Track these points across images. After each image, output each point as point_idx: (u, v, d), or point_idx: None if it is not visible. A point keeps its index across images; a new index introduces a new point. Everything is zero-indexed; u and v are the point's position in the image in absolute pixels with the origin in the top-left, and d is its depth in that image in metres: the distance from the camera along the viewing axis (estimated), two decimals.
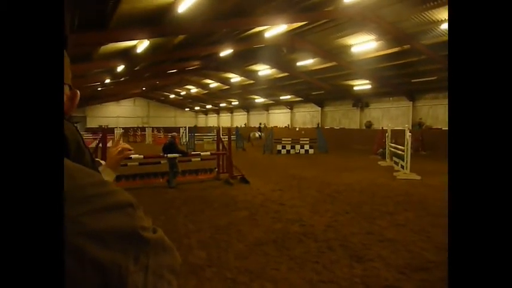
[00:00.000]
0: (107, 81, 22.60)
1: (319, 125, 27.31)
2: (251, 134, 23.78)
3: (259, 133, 24.21)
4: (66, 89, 0.66)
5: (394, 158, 11.68)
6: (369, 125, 24.08)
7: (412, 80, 19.14)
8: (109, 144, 20.83)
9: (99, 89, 26.66)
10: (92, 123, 39.48)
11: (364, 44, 15.27)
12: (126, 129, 29.58)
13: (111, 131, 24.26)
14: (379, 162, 12.99)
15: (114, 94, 34.20)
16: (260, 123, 30.25)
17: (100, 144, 8.56)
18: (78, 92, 0.69)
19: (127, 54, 16.25)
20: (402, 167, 10.13)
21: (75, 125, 0.64)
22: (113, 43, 13.62)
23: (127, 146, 1.46)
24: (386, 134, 13.25)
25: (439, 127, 19.09)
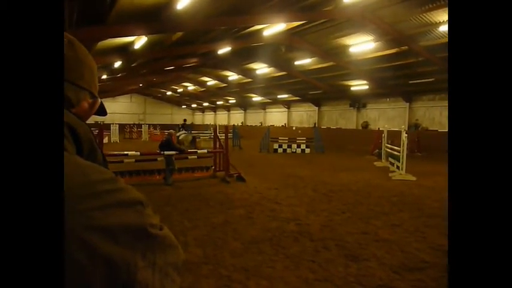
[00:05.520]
0: (104, 77, 22.48)
1: (316, 125, 27.37)
2: (181, 137, 15.35)
3: (185, 133, 15.59)
4: (85, 95, 0.66)
5: (390, 159, 11.74)
6: (366, 125, 24.19)
7: (410, 82, 19.24)
8: (105, 140, 20.10)
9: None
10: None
11: (362, 45, 15.32)
12: (122, 126, 29.44)
13: (107, 127, 24.14)
14: (375, 163, 13.05)
15: (110, 90, 33.99)
16: (185, 120, 17.95)
17: (96, 140, 8.53)
18: (99, 100, 0.70)
19: (124, 50, 16.16)
20: (398, 167, 10.18)
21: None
22: (111, 39, 13.54)
23: None
24: (383, 135, 13.32)
25: (435, 129, 19.22)
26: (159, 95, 43.16)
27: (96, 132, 8.68)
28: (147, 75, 25.60)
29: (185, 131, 15.85)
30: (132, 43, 15.04)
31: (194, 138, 14.38)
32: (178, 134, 15.30)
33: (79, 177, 0.47)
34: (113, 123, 26.29)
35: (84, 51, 0.67)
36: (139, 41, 14.35)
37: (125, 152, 8.69)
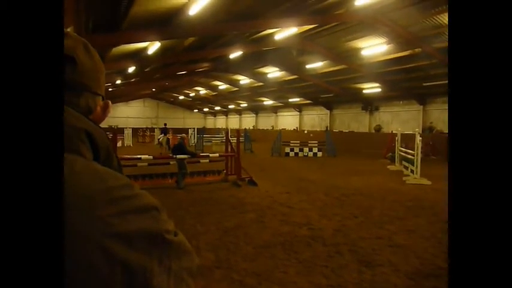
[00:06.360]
0: (118, 82, 22.88)
1: (328, 128, 27.19)
2: (161, 139, 18.13)
3: (162, 136, 17.91)
4: (99, 100, 0.67)
5: (404, 163, 11.56)
6: (379, 128, 23.89)
7: (423, 84, 18.95)
8: (119, 144, 20.68)
9: (110, 89, 27.01)
10: (102, 123, 39.82)
11: (374, 47, 15.19)
12: (135, 130, 29.85)
13: (120, 131, 24.54)
14: (389, 167, 12.87)
15: (124, 95, 34.58)
16: (165, 124, 19.85)
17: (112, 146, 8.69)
18: (110, 102, 0.71)
19: (138, 56, 16.44)
20: (412, 171, 10.01)
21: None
22: (125, 45, 13.80)
23: None
24: (396, 138, 13.13)
25: None
26: (172, 99, 43.65)
27: (110, 136, 8.83)
28: (159, 80, 25.95)
29: (164, 134, 18.37)
30: (145, 49, 15.28)
31: (168, 139, 17.12)
32: (159, 137, 18.87)
33: (97, 183, 0.47)
34: (126, 127, 26.69)
35: (97, 55, 0.67)
36: (153, 47, 14.58)
37: (138, 156, 8.80)
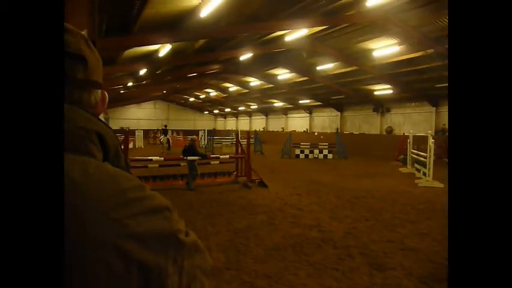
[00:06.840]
0: (129, 84, 23.17)
1: (338, 130, 27.01)
2: (162, 139, 20.57)
3: (163, 137, 20.23)
4: (97, 92, 0.66)
5: (416, 165, 11.40)
6: (390, 130, 23.61)
7: (436, 85, 18.66)
8: (130, 145, 21.18)
9: (122, 91, 27.37)
10: (113, 125, 40.35)
11: (386, 48, 15.03)
12: (146, 132, 30.17)
13: (132, 133, 24.81)
14: (400, 169, 12.70)
15: (135, 97, 34.97)
16: (165, 126, 21.98)
17: (122, 146, 8.78)
18: (106, 93, 0.71)
19: (149, 58, 16.62)
20: (424, 174, 9.86)
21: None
22: (136, 47, 13.97)
23: None
24: (408, 140, 12.96)
25: None
26: (182, 101, 43.96)
27: (122, 138, 8.94)
28: (170, 82, 26.16)
29: (164, 134, 20.36)
30: (156, 51, 15.45)
31: (168, 140, 19.74)
32: (160, 138, 21.04)
33: (111, 185, 0.48)
34: (137, 129, 27.00)
35: (94, 49, 0.66)
36: (164, 49, 14.72)
37: (149, 157, 8.89)
